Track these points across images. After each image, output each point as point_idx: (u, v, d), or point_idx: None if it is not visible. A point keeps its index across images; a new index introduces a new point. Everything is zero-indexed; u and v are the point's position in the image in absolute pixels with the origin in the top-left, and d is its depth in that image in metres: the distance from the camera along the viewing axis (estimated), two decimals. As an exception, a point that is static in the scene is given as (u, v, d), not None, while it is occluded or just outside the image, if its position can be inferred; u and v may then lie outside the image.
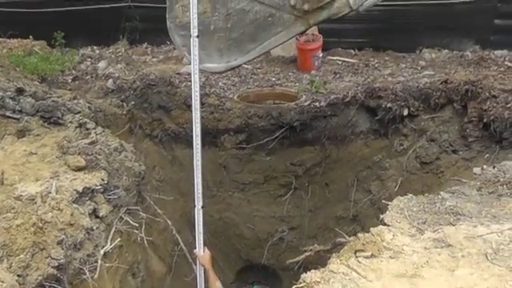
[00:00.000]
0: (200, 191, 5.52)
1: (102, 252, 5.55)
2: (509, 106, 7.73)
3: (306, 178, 9.44)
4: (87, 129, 7.01)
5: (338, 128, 9.02)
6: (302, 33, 6.05)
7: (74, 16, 11.53)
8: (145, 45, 11.66)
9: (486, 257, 4.66)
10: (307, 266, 5.44)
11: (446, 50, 10.54)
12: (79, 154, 6.27)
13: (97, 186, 5.90)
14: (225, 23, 5.78)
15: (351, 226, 9.04)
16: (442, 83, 8.51)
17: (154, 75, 9.44)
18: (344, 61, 10.54)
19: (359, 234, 5.02)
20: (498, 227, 5.09)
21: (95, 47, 11.76)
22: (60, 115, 7.17)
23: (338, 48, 10.95)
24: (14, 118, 7.03)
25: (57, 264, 4.91)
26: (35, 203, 5.33)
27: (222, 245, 9.74)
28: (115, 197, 6.11)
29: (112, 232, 5.88)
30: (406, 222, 5.26)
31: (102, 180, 6.01)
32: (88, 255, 5.38)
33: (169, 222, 7.16)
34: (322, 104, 8.89)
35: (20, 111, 7.14)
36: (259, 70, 10.32)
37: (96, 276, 5.35)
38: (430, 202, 5.68)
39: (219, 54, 5.91)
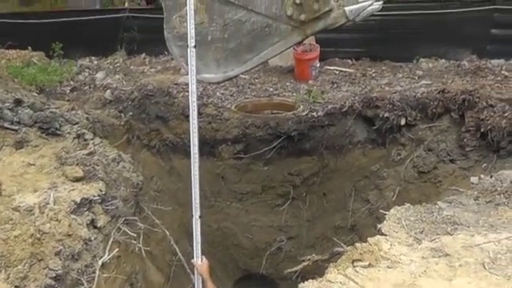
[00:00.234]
0: (198, 201, 5.51)
1: (99, 262, 5.53)
2: (506, 115, 7.76)
3: (304, 188, 9.45)
4: (85, 139, 7.01)
5: (335, 138, 9.04)
6: (299, 43, 6.06)
7: (72, 27, 11.57)
8: (143, 55, 11.71)
9: (484, 266, 4.65)
10: (305, 275, 5.44)
11: (443, 60, 10.59)
12: (77, 164, 6.27)
13: (95, 196, 5.88)
14: (222, 34, 5.79)
15: (349, 236, 9.05)
16: (439, 93, 8.53)
17: (152, 86, 9.46)
18: (341, 70, 10.59)
19: (357, 244, 5.02)
20: (495, 236, 5.09)
21: (93, 58, 11.80)
22: (58, 126, 7.16)
23: (336, 58, 11.02)
24: (12, 129, 7.03)
25: (54, 275, 4.89)
26: (33, 214, 5.32)
27: (221, 255, 9.73)
28: (113, 207, 6.09)
29: (110, 242, 5.86)
30: (403, 232, 5.26)
31: (100, 191, 6.00)
32: (86, 266, 5.36)
33: (167, 232, 7.15)
34: (319, 114, 8.92)
35: (18, 122, 7.13)
36: (257, 80, 10.36)
37: (94, 287, 5.34)
38: (428, 211, 5.69)
39: (216, 65, 5.92)
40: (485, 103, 7.97)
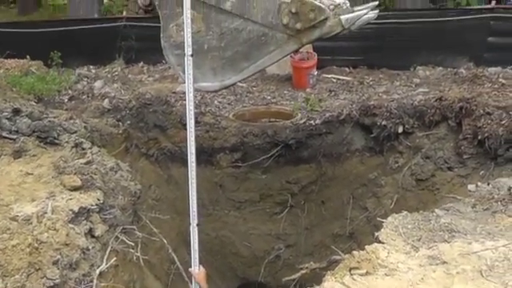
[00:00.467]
0: (195, 209, 5.52)
1: (97, 272, 5.52)
2: (503, 122, 7.77)
3: (302, 196, 9.46)
4: (83, 148, 7.02)
5: (333, 146, 9.06)
6: (295, 51, 6.09)
7: (70, 36, 11.60)
8: (141, 64, 11.73)
9: (481, 273, 4.65)
10: (303, 283, 5.45)
11: (440, 68, 10.62)
12: (75, 173, 6.27)
13: (92, 205, 5.88)
14: (218, 42, 5.81)
15: (348, 244, 9.04)
16: (436, 100, 8.57)
17: (150, 94, 9.48)
18: (339, 79, 10.62)
19: (354, 252, 5.02)
20: (492, 244, 5.09)
21: (91, 67, 11.83)
22: (56, 135, 7.17)
23: (333, 66, 11.05)
24: (11, 139, 7.03)
25: (52, 284, 4.88)
26: (31, 223, 5.32)
27: (219, 263, 9.72)
28: (111, 216, 6.09)
29: (108, 251, 5.85)
30: (400, 240, 5.27)
31: (98, 200, 6.00)
32: (84, 275, 5.35)
33: (165, 240, 7.15)
34: (317, 122, 8.94)
35: (16, 131, 7.14)
36: (254, 89, 10.38)
37: (92, 296, 5.34)
38: (425, 219, 5.69)
39: (213, 73, 5.93)
40: (482, 111, 7.99)
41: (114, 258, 5.88)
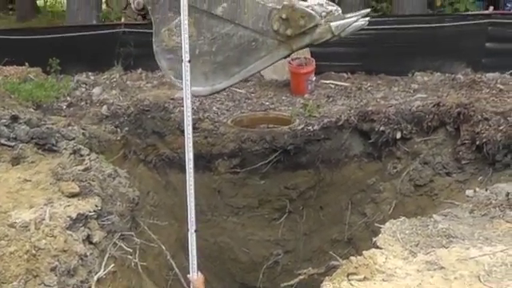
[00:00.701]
0: (193, 215, 5.52)
1: (95, 278, 5.51)
2: (501, 128, 7.79)
3: (301, 202, 9.46)
4: (81, 155, 7.02)
5: (331, 151, 9.08)
6: (286, 57, 6.13)
7: (69, 42, 11.60)
8: (139, 70, 11.71)
9: (479, 279, 4.65)
10: (302, 289, 5.45)
11: (438, 73, 10.64)
12: (73, 180, 6.27)
13: (90, 212, 5.88)
14: (210, 47, 5.84)
15: (346, 249, 9.04)
16: (434, 106, 8.59)
17: (148, 101, 9.50)
18: (337, 84, 10.63)
19: (352, 257, 5.02)
20: (490, 249, 5.10)
21: (90, 73, 11.81)
22: (54, 142, 7.17)
23: (331, 72, 11.05)
24: (9, 146, 7.04)
25: (50, 291, 4.90)
26: (29, 230, 5.31)
27: (217, 269, 9.71)
28: (109, 222, 6.09)
29: (106, 258, 5.84)
30: (398, 245, 5.27)
31: (96, 206, 6.00)
32: (81, 281, 5.35)
33: (163, 246, 7.14)
34: (315, 128, 8.96)
35: (15, 138, 7.15)
36: (253, 95, 10.39)
37: (90, 302, 5.34)
38: (423, 224, 5.69)
39: (204, 78, 5.95)
40: (480, 116, 8.01)
41: (112, 265, 5.87)
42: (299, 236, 9.63)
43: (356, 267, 4.83)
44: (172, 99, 9.67)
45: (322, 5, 5.62)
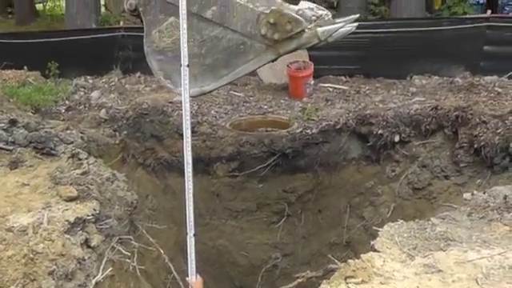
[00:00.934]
0: (192, 219, 5.52)
1: (93, 282, 5.51)
2: (499, 131, 7.79)
3: (299, 205, 9.47)
4: (80, 159, 7.01)
5: (329, 155, 9.09)
6: (273, 61, 6.21)
7: (68, 46, 11.61)
8: (138, 74, 11.72)
9: (477, 282, 4.65)
10: (300, 292, 5.45)
11: (436, 77, 10.66)
12: (71, 184, 6.26)
13: (89, 215, 5.87)
14: (199, 49, 5.91)
15: (344, 252, 9.03)
16: (432, 109, 8.60)
17: (147, 104, 9.51)
18: (335, 88, 10.64)
19: (350, 261, 5.02)
20: (488, 252, 5.09)
21: (89, 77, 11.83)
22: (53, 146, 7.17)
23: (329, 75, 11.08)
24: (7, 150, 7.03)
25: (48, 294, 4.90)
26: (27, 234, 5.31)
27: (216, 272, 9.70)
28: (107, 226, 6.09)
29: (104, 262, 5.84)
30: (396, 248, 5.26)
31: (94, 210, 5.99)
32: (79, 285, 5.34)
33: (161, 250, 7.14)
34: (313, 131, 8.97)
35: (13, 142, 7.15)
36: (251, 98, 10.40)
37: (88, 306, 5.34)
38: (421, 227, 5.68)
39: (193, 79, 5.97)
40: (478, 120, 8.02)
41: (110, 268, 5.87)
42: (298, 239, 9.64)
43: (354, 270, 4.83)
44: (170, 103, 9.68)
45: (312, 9, 5.70)
